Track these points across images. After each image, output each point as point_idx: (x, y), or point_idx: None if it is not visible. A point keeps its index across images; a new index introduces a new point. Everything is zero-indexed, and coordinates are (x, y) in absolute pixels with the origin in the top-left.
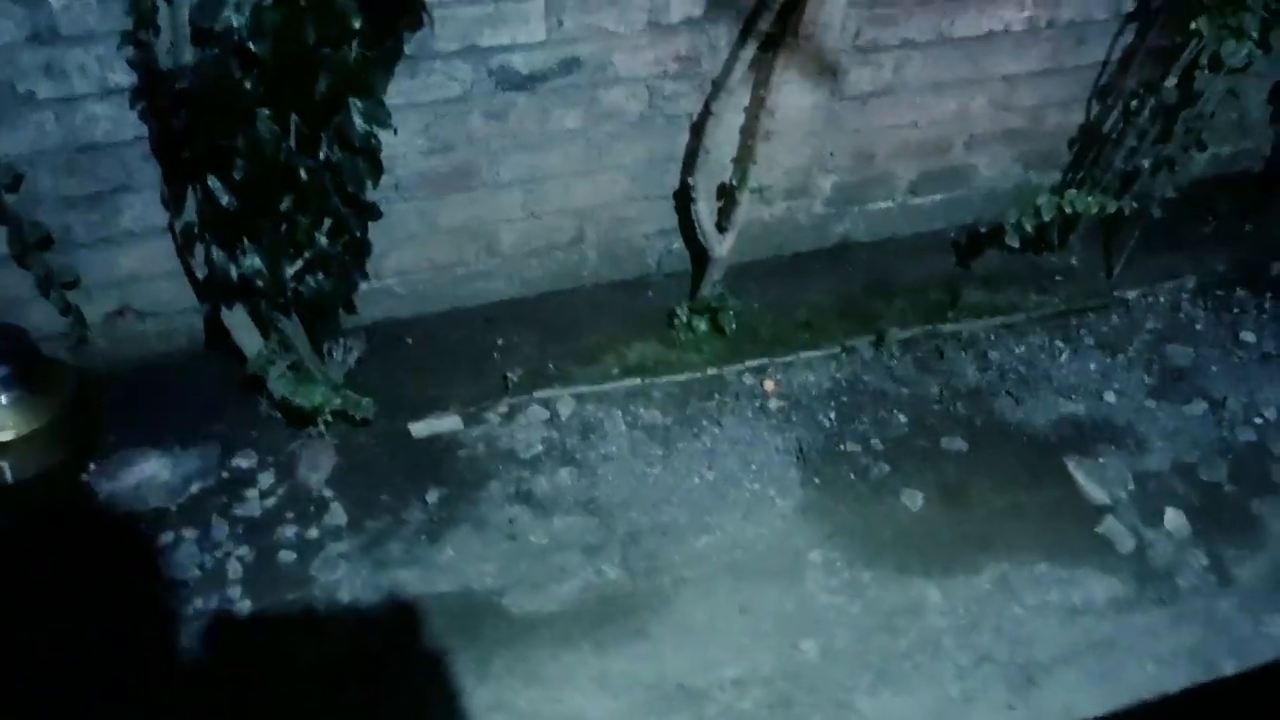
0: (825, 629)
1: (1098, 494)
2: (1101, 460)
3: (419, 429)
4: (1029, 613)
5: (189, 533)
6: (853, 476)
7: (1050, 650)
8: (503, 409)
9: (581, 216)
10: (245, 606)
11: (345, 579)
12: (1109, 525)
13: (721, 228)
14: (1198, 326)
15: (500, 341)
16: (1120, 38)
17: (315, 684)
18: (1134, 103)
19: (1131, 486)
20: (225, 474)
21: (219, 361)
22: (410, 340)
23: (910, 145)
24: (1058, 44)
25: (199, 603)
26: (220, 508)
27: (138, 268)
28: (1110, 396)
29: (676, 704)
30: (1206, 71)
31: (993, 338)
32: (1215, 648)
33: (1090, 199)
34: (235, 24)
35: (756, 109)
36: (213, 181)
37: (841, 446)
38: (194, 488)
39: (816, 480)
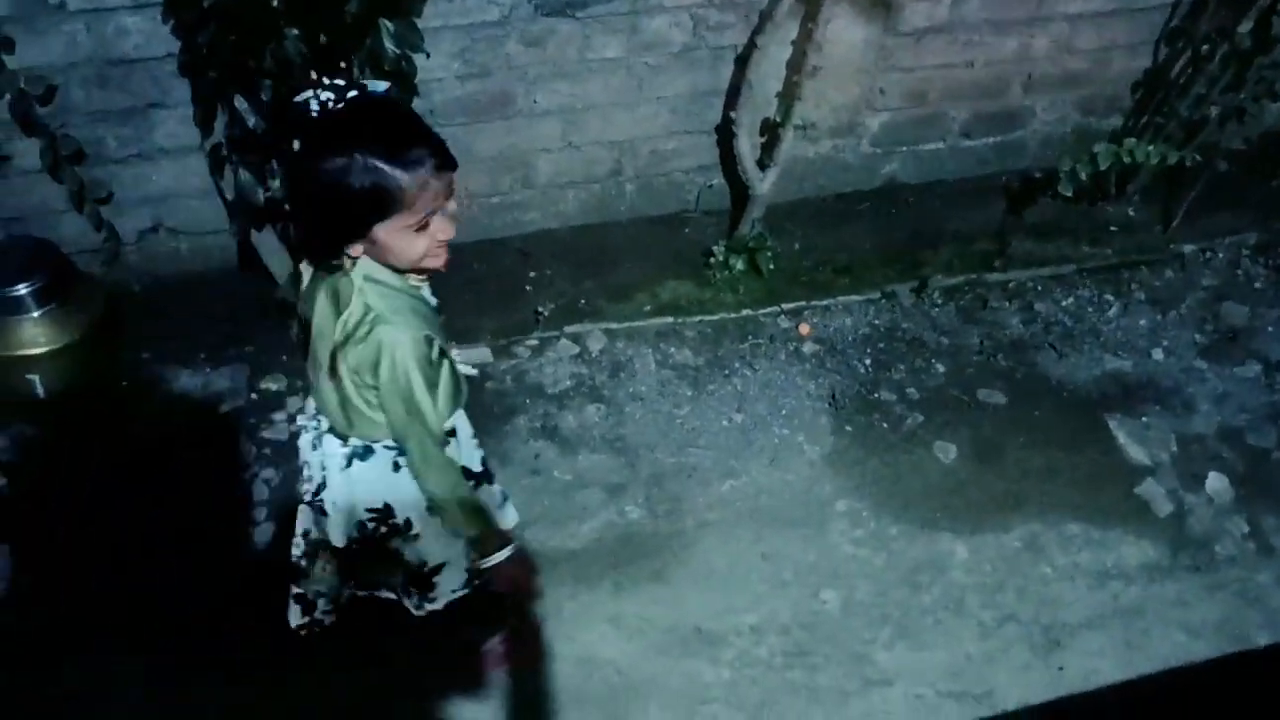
0: (847, 580)
1: (1139, 455)
2: (1145, 420)
3: None
4: (1058, 574)
5: (217, 453)
6: (885, 426)
7: (1077, 614)
8: (532, 342)
9: (620, 149)
10: (268, 530)
11: None
12: (1148, 487)
13: (763, 165)
14: (1256, 285)
15: (533, 274)
16: None
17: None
18: (1205, 48)
19: (1174, 449)
20: (254, 395)
21: (252, 282)
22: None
23: (965, 85)
24: None
25: (224, 523)
26: (249, 429)
27: (171, 185)
28: (1159, 354)
29: (693, 647)
30: None
31: (1040, 289)
32: (1248, 620)
33: (1151, 149)
34: None
35: (804, 43)
36: (239, 102)
37: (875, 395)
38: (223, 408)
39: (848, 428)
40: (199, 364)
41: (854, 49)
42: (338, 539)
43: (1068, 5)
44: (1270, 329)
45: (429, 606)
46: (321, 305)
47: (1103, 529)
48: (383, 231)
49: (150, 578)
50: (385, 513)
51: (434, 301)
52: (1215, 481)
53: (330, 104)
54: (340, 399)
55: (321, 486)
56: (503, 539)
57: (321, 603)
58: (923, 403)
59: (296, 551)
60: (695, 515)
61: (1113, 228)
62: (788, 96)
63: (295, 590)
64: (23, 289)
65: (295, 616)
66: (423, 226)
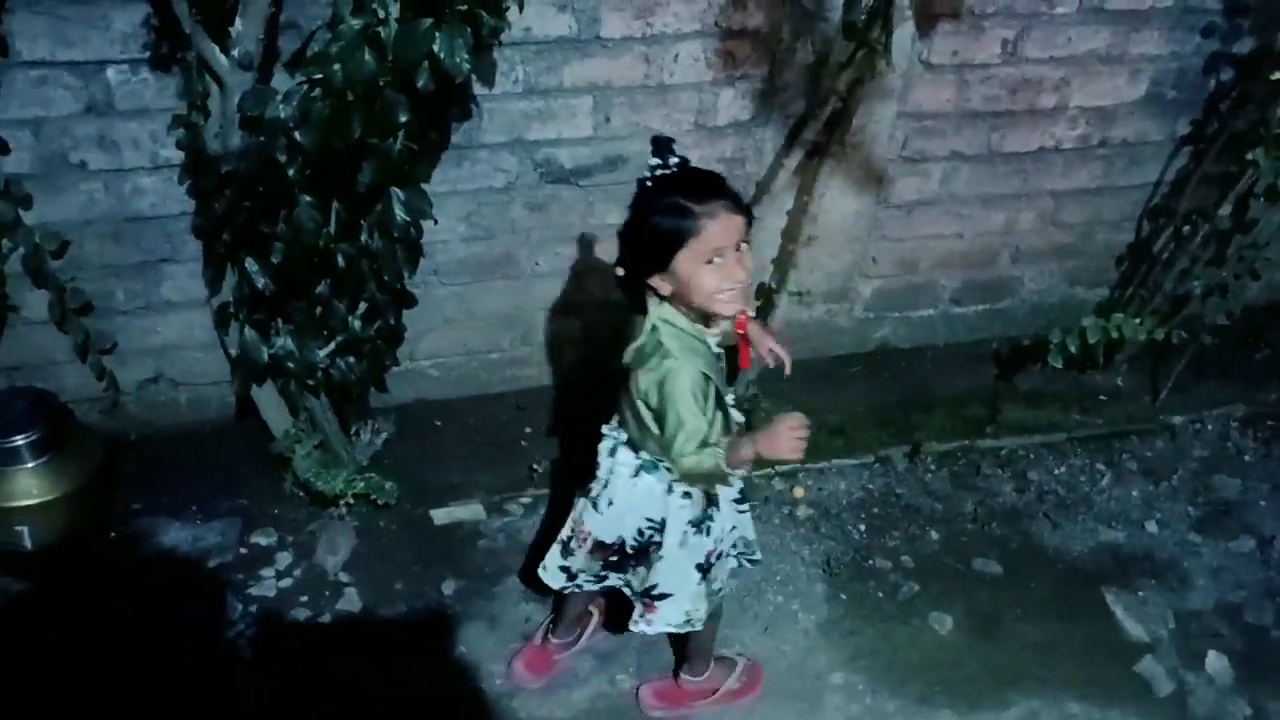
0: None
1: (1137, 630)
2: (1141, 594)
3: (440, 516)
4: None
5: (202, 609)
6: (880, 595)
7: None
8: (526, 499)
9: (619, 310)
10: (247, 691)
11: (353, 670)
12: (1147, 665)
13: None
14: (1246, 458)
15: (529, 430)
16: (1174, 160)
17: None
18: (1186, 227)
19: (1172, 625)
20: (244, 550)
21: (248, 434)
22: (440, 423)
23: (955, 255)
24: (1110, 163)
25: (207, 683)
26: (236, 585)
27: (175, 337)
28: (1153, 527)
29: None
30: (1262, 201)
31: (1032, 456)
32: None
33: (1138, 325)
34: (283, 114)
35: (799, 213)
36: (250, 263)
37: (870, 562)
38: (211, 562)
39: (843, 596)
40: (190, 516)
41: (847, 220)
42: (604, 534)
43: (1053, 182)
44: (1262, 503)
45: (644, 627)
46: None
47: (1103, 708)
48: (681, 262)
49: None
50: (660, 526)
51: (719, 351)
52: (1215, 661)
53: (658, 171)
54: (634, 415)
55: (604, 486)
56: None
57: (583, 576)
58: (918, 571)
59: (567, 533)
60: None
61: (1102, 397)
62: (782, 263)
63: (560, 562)
64: (19, 440)
65: (558, 580)
66: (711, 260)
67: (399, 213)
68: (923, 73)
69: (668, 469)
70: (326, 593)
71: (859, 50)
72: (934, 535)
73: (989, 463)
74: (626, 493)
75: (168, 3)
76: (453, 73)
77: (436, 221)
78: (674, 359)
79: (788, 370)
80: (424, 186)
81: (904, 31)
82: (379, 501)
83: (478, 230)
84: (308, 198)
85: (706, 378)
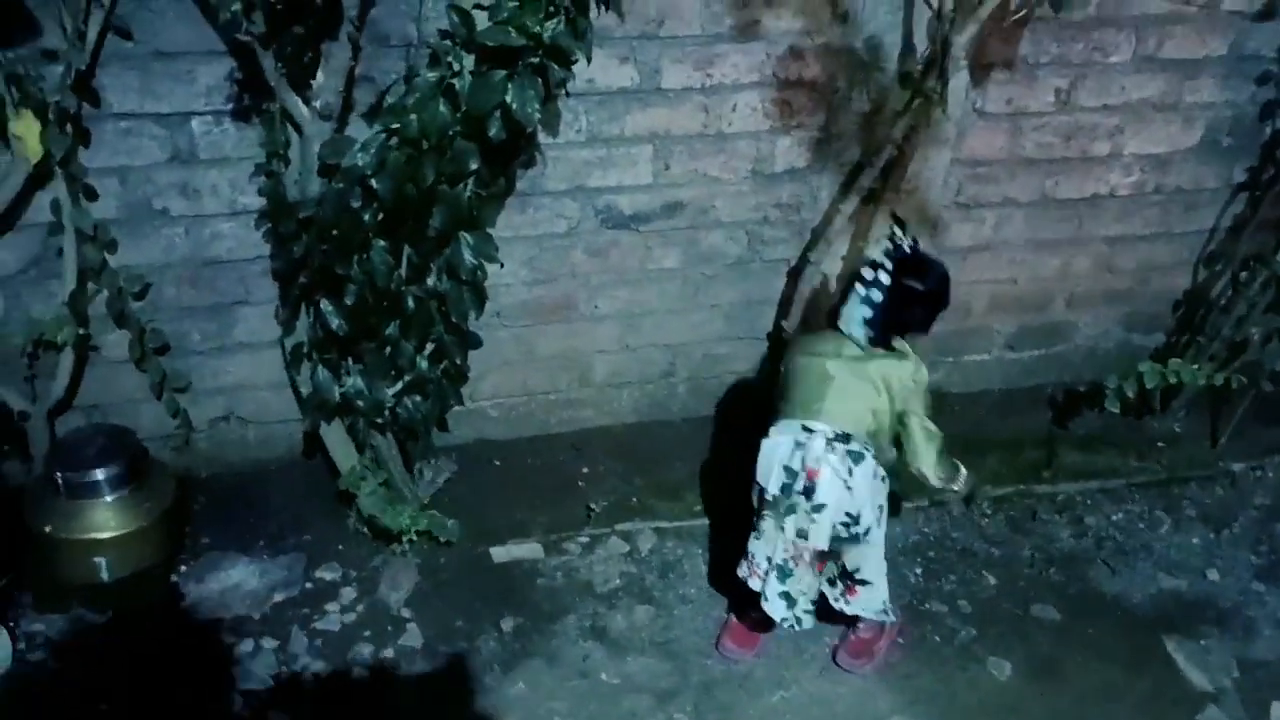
0: None
1: (1200, 679)
2: (1204, 643)
3: (500, 554)
4: None
5: (268, 643)
6: (937, 639)
7: None
8: (584, 539)
9: (674, 352)
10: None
11: (415, 704)
12: (1211, 714)
13: None
14: None
15: (586, 470)
16: (1230, 207)
17: None
18: (1244, 272)
19: (1236, 674)
20: (309, 585)
21: (313, 472)
22: (499, 462)
23: (1009, 300)
24: (1165, 209)
25: (272, 716)
26: (301, 620)
27: (246, 377)
28: (1214, 574)
29: None
30: None
31: (1089, 502)
32: None
33: (1196, 370)
34: (360, 162)
35: (853, 257)
36: (325, 305)
37: (926, 605)
38: (277, 597)
39: (899, 640)
40: (257, 551)
41: None
42: (819, 540)
43: (1107, 228)
44: None
45: (844, 607)
46: (849, 366)
47: None
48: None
49: None
50: (879, 514)
51: None
52: None
53: (909, 249)
54: (866, 406)
55: (806, 494)
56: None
57: (803, 600)
58: (975, 616)
59: (780, 556)
60: None
61: (1160, 443)
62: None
63: (780, 588)
64: (99, 474)
65: (779, 610)
66: None
67: (467, 256)
68: (976, 121)
69: (874, 456)
70: (389, 628)
71: (914, 99)
72: (991, 580)
73: (1045, 508)
74: (838, 489)
75: (252, 57)
76: (524, 122)
77: (503, 265)
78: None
79: None
80: (490, 231)
81: (959, 81)
82: (441, 539)
83: (539, 274)
84: (381, 242)
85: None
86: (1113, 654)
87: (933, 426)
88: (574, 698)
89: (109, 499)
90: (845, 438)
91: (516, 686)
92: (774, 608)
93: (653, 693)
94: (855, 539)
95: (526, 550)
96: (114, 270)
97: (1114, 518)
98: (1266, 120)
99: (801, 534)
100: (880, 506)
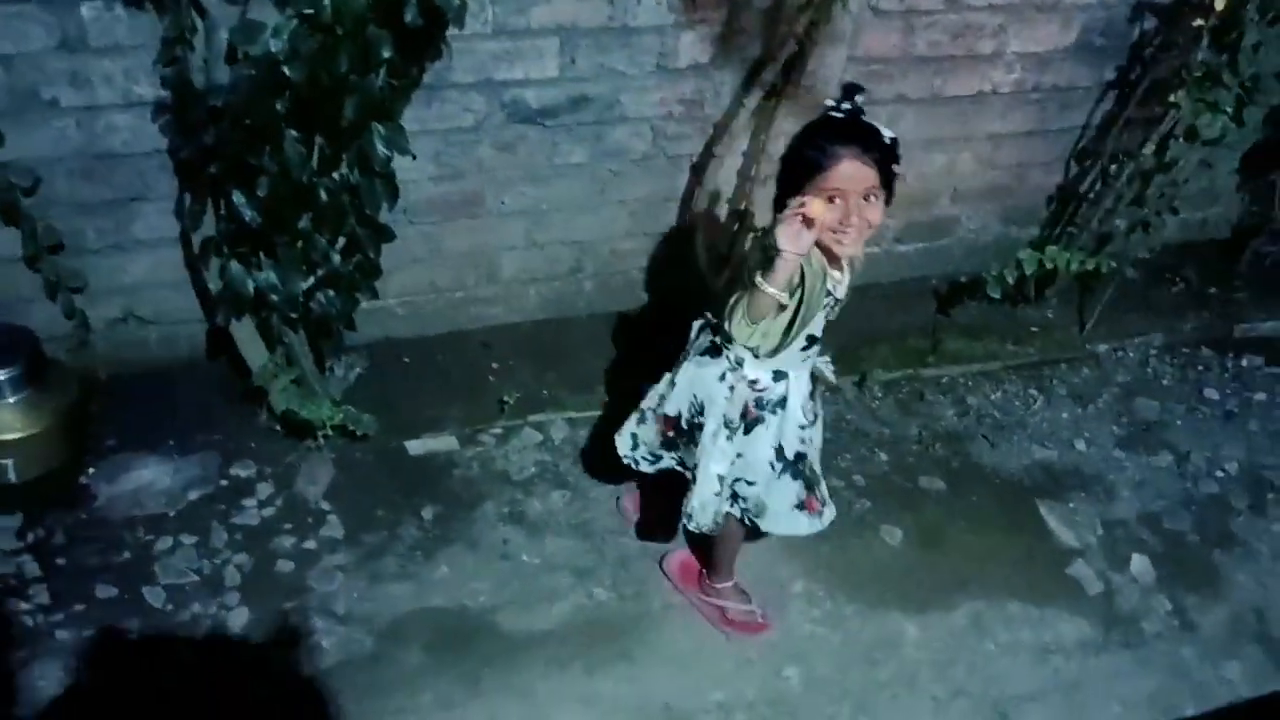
0: (807, 658)
1: (1068, 538)
2: (1072, 506)
3: (415, 447)
4: (1001, 650)
5: (187, 538)
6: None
7: (1022, 687)
8: (497, 430)
9: (581, 248)
10: (241, 614)
11: (341, 591)
12: (1078, 569)
13: (716, 267)
14: (1164, 382)
15: (496, 366)
16: (1101, 105)
17: (304, 694)
18: (1112, 167)
19: (1100, 532)
20: (223, 482)
21: (219, 372)
22: (408, 360)
23: (899, 196)
24: (1043, 107)
25: (196, 607)
26: (219, 515)
27: (145, 276)
28: (1081, 445)
29: None
30: (1182, 141)
31: (970, 384)
32: (1177, 692)
33: (1069, 255)
34: (273, 49)
35: (757, 152)
36: (237, 197)
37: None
38: (192, 495)
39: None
40: (168, 451)
41: None
42: (668, 407)
43: (990, 125)
44: (1179, 422)
45: (685, 521)
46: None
47: (1040, 607)
48: (809, 191)
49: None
50: (701, 410)
51: (836, 293)
52: (1139, 563)
53: (829, 112)
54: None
55: (679, 363)
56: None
57: (643, 448)
58: (869, 489)
59: (647, 403)
60: (661, 597)
61: (1033, 329)
62: (740, 202)
63: (632, 429)
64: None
65: (624, 446)
66: (832, 199)
67: (380, 147)
68: (872, 18)
69: (729, 355)
70: (309, 520)
71: None
72: (883, 457)
73: (931, 390)
74: (690, 370)
75: None
76: (443, 6)
77: (415, 157)
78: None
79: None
80: (401, 124)
81: None
82: (357, 433)
83: (446, 170)
84: (294, 132)
85: (801, 281)
86: (992, 519)
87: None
88: (496, 578)
89: (10, 400)
90: (716, 328)
91: (440, 570)
92: (622, 441)
93: (572, 570)
94: (695, 433)
95: (442, 443)
96: (2, 164)
97: (992, 397)
98: (1136, 22)
99: (662, 395)
100: (722, 423)
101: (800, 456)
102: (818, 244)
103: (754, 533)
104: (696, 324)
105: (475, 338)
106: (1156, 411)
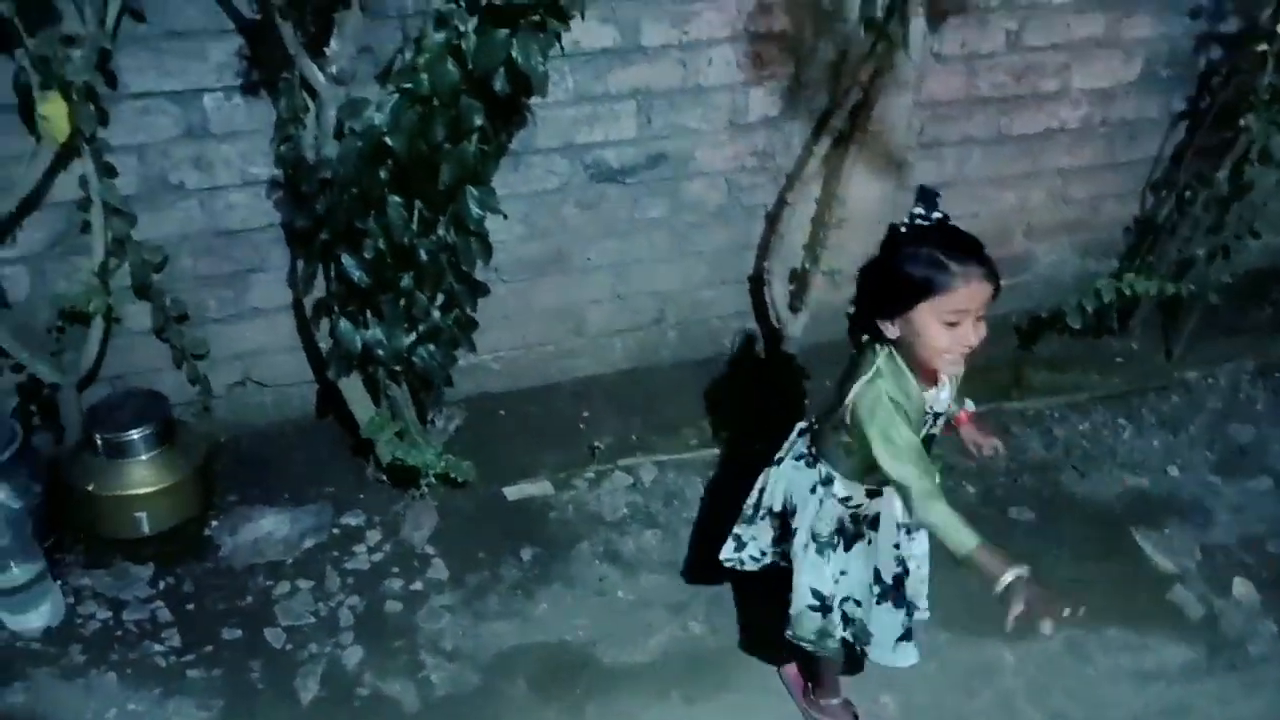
0: (904, 685)
1: (1166, 564)
2: (1168, 532)
3: (513, 492)
4: (1101, 675)
5: (303, 583)
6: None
7: (1124, 713)
8: (589, 475)
9: (663, 299)
10: (356, 652)
11: (447, 629)
12: (1178, 593)
13: (794, 309)
14: (1258, 406)
15: (586, 414)
16: (1172, 134)
17: None
18: (1187, 194)
19: (1199, 557)
20: (336, 530)
21: (328, 430)
22: (503, 412)
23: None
24: (1111, 140)
25: (313, 647)
26: (332, 561)
27: (261, 341)
28: (1174, 472)
29: None
30: (1256, 165)
31: (1056, 415)
32: None
33: (1149, 282)
34: (378, 121)
35: (828, 199)
36: (346, 259)
37: None
38: (307, 543)
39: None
40: (284, 504)
41: (872, 203)
42: (773, 500)
43: (1059, 161)
44: (1275, 446)
45: (785, 630)
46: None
47: (1140, 632)
48: (921, 312)
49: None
50: (794, 512)
51: (937, 408)
52: (1241, 587)
53: (917, 220)
54: (836, 442)
55: (779, 457)
56: (1003, 559)
57: (751, 546)
58: None
59: (750, 503)
60: (755, 629)
61: (1119, 359)
62: (814, 246)
63: (736, 531)
64: (135, 434)
65: (727, 551)
66: (953, 323)
67: (473, 208)
68: (934, 64)
69: (829, 472)
70: (415, 563)
71: (878, 43)
72: (970, 489)
73: (1016, 423)
74: (788, 472)
75: (263, 33)
76: (529, 75)
77: (506, 216)
78: (884, 380)
79: (1002, 452)
80: (492, 187)
81: (915, 26)
82: (458, 480)
83: (534, 229)
84: (396, 198)
85: (899, 407)
86: (1086, 547)
87: (895, 467)
88: (594, 614)
89: (144, 457)
90: (815, 437)
91: (540, 607)
92: (725, 548)
93: (666, 605)
94: (789, 528)
95: (537, 488)
96: (136, 243)
97: (1080, 428)
98: (1200, 52)
99: (761, 490)
100: (810, 535)
101: (899, 581)
102: (919, 363)
103: (854, 663)
104: (799, 425)
105: (565, 389)
106: (1252, 435)
